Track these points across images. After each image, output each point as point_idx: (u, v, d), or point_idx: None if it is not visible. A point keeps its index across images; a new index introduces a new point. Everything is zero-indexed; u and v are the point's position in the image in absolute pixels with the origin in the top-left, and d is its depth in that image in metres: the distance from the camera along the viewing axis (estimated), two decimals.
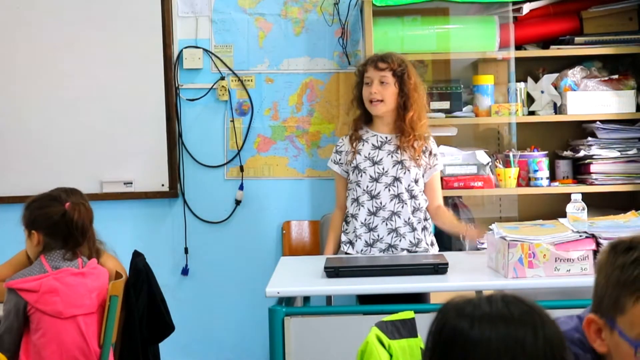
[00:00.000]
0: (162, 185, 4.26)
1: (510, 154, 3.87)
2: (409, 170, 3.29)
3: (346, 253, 3.34)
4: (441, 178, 3.50)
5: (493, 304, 1.29)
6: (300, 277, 2.99)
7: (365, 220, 3.31)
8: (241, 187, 4.28)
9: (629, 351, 1.43)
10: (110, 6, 4.19)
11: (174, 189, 4.26)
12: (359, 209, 3.31)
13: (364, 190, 3.31)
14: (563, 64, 4.00)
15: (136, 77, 4.21)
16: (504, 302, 1.30)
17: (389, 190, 3.30)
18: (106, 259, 2.92)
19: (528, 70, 4.03)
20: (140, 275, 3.04)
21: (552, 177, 3.94)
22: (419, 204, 3.30)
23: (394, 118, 3.32)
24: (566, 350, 1.29)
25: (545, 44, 3.96)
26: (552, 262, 2.73)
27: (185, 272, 4.30)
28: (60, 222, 2.72)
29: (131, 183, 4.23)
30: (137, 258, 3.10)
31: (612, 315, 1.46)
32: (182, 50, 4.23)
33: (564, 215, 3.02)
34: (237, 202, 4.28)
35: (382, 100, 3.27)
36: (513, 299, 1.32)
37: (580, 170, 3.97)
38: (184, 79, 4.25)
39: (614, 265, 1.47)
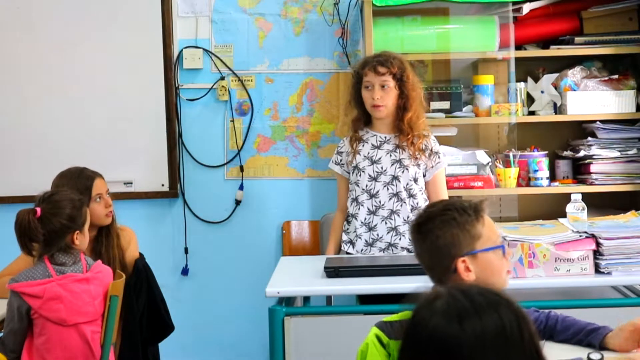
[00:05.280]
0: (162, 185, 4.26)
1: (510, 154, 3.87)
2: (407, 169, 3.30)
3: (347, 253, 3.35)
4: None
5: (473, 297, 1.28)
6: (300, 277, 2.99)
7: (365, 219, 3.31)
8: (241, 187, 4.28)
9: (498, 256, 1.94)
10: (110, 6, 4.19)
11: (174, 189, 4.26)
12: (359, 209, 3.32)
13: (363, 189, 3.32)
14: (563, 64, 3.99)
15: (136, 77, 4.21)
16: (480, 293, 1.29)
17: (388, 189, 3.30)
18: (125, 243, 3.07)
19: (528, 70, 4.03)
20: (140, 275, 3.05)
21: (552, 177, 3.94)
22: (418, 203, 3.30)
23: (394, 118, 3.33)
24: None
25: (545, 44, 3.96)
26: (552, 262, 2.73)
27: (185, 272, 4.30)
28: None
29: (131, 183, 4.23)
30: (137, 258, 3.11)
31: (472, 247, 1.91)
32: (182, 50, 4.23)
33: (564, 215, 3.02)
34: (237, 202, 4.28)
35: (384, 105, 3.28)
36: (483, 287, 1.32)
37: (580, 170, 3.97)
38: (184, 79, 4.26)
39: (446, 225, 1.92)
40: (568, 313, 2.51)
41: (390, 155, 3.32)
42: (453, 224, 1.93)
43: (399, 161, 3.31)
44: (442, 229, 1.93)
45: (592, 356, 1.96)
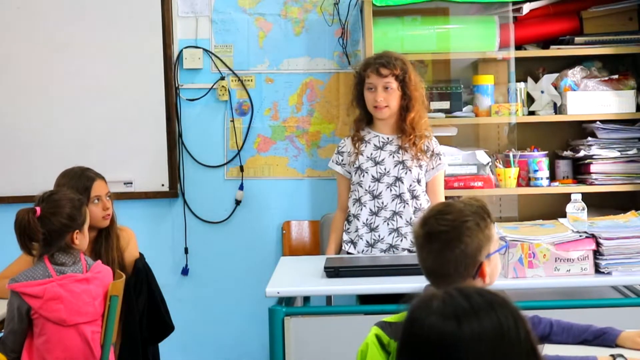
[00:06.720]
0: (162, 185, 4.26)
1: (510, 154, 3.87)
2: (410, 170, 3.30)
3: (348, 252, 3.35)
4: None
5: (470, 297, 1.28)
6: (300, 277, 3.00)
7: (367, 220, 3.31)
8: (241, 187, 4.28)
9: (499, 256, 2.01)
10: (110, 6, 4.19)
11: (174, 189, 4.26)
12: (361, 209, 3.32)
13: (365, 190, 3.32)
14: (563, 64, 3.99)
15: (136, 77, 4.21)
16: (478, 293, 1.29)
17: (391, 190, 3.30)
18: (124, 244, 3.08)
19: (528, 70, 4.03)
20: (140, 275, 3.05)
21: (552, 177, 3.94)
22: (421, 204, 3.30)
23: (396, 119, 3.33)
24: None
25: (545, 44, 3.96)
26: (552, 262, 2.73)
27: (185, 272, 4.30)
28: None
29: (131, 183, 4.23)
30: (137, 258, 3.11)
31: (488, 249, 1.94)
32: (182, 50, 4.23)
33: (564, 215, 3.02)
34: (237, 202, 4.28)
35: (387, 106, 3.29)
36: (479, 288, 1.32)
37: (580, 170, 3.97)
38: (184, 79, 4.25)
39: (462, 236, 1.92)
40: (568, 313, 2.51)
41: (393, 157, 3.32)
42: (477, 229, 1.92)
43: (402, 162, 3.31)
44: (470, 236, 1.91)
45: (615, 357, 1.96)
